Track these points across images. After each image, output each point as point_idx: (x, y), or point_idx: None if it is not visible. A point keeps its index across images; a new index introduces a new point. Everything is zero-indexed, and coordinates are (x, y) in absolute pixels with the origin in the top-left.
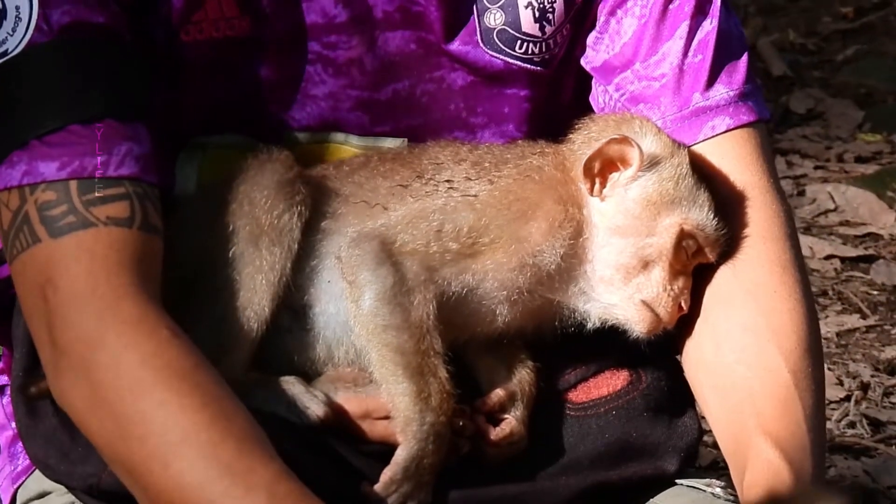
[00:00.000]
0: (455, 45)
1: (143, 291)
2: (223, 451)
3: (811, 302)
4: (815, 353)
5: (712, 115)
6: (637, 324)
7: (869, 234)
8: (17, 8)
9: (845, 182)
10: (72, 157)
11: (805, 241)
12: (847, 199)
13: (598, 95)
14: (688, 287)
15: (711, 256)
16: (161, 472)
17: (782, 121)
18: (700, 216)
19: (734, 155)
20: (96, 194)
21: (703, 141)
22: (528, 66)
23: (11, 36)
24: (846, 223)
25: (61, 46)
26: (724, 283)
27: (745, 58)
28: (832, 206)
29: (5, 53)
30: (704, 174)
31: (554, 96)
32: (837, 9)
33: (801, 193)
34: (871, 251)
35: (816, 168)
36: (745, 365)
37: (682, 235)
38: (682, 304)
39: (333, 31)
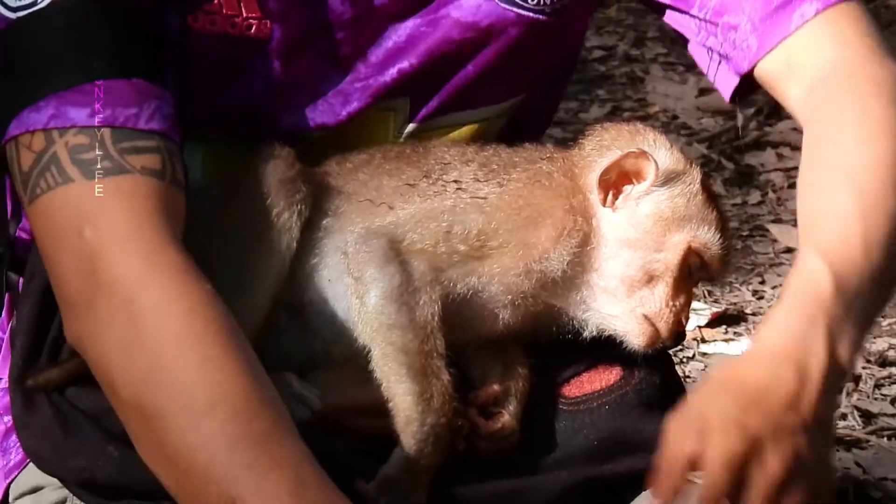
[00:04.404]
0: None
1: (181, 244)
2: (257, 422)
3: None
4: None
5: (798, 3)
6: (636, 337)
7: None
8: None
9: None
10: (103, 105)
11: (796, 232)
12: None
13: (684, 25)
14: (689, 303)
15: (715, 274)
16: (189, 430)
17: (772, 113)
18: (708, 235)
19: (831, 34)
20: (130, 143)
21: (797, 30)
22: (540, 17)
23: None
24: None
25: (94, 4)
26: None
27: None
28: None
29: (34, 4)
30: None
31: (560, 46)
32: None
33: (792, 186)
34: None
35: None
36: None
37: (690, 253)
38: (683, 320)
39: (341, 28)
